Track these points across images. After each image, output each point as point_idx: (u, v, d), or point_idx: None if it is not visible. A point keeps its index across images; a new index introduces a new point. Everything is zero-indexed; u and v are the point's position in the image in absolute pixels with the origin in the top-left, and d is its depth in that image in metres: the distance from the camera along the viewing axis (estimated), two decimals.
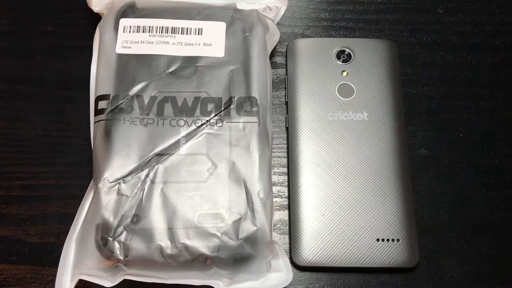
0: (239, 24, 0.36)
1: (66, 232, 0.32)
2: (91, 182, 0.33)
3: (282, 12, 0.38)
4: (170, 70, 0.34)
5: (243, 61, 0.35)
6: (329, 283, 0.34)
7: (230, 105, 0.33)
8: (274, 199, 0.35)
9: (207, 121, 0.33)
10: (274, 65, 0.40)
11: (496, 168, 0.37)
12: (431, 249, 0.35)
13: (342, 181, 0.35)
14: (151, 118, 0.33)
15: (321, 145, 0.35)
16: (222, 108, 0.33)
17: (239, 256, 0.30)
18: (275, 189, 0.36)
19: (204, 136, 0.33)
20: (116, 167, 0.31)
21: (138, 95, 0.33)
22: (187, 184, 0.31)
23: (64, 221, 0.33)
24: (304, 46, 0.39)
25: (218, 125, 0.33)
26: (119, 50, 0.34)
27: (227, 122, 0.33)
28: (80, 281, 0.30)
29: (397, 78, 0.38)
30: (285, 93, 0.38)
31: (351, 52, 0.38)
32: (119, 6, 0.36)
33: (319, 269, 0.34)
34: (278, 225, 0.35)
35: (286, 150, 0.37)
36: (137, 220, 0.30)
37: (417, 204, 0.36)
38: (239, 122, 0.33)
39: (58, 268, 0.30)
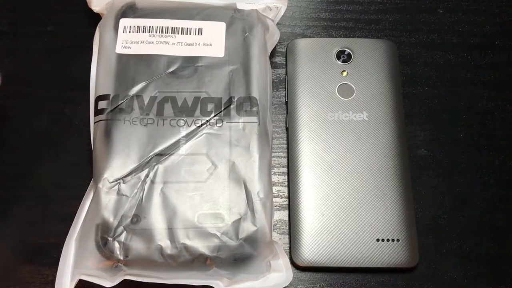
0: (239, 24, 0.36)
1: (66, 232, 0.32)
2: (91, 182, 0.33)
3: (282, 12, 0.38)
4: (170, 70, 0.34)
5: (243, 61, 0.35)
6: (329, 283, 0.34)
7: (230, 105, 0.33)
8: (274, 199, 0.35)
9: (207, 121, 0.33)
10: (274, 65, 0.40)
11: (496, 168, 0.37)
12: (431, 249, 0.35)
13: (342, 181, 0.35)
14: (151, 118, 0.33)
15: (321, 145, 0.35)
16: (222, 108, 0.33)
17: (239, 256, 0.30)
18: (275, 189, 0.36)
19: (204, 136, 0.33)
20: (116, 167, 0.31)
21: (138, 95, 0.33)
22: (187, 184, 0.31)
23: (64, 221, 0.33)
24: (304, 46, 0.39)
25: (218, 125, 0.33)
26: (119, 50, 0.34)
27: (227, 122, 0.33)
28: (80, 281, 0.30)
29: (397, 78, 0.38)
30: (285, 93, 0.38)
31: (351, 52, 0.38)
32: (119, 6, 0.36)
33: (319, 269, 0.34)
34: (278, 225, 0.35)
35: (286, 150, 0.37)
36: (137, 220, 0.30)
37: (417, 204, 0.36)
38: (239, 122, 0.33)
39: (58, 268, 0.30)
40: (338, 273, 0.34)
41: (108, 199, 0.31)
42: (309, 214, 0.34)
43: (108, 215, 0.30)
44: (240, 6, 0.37)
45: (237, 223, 0.31)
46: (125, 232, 0.30)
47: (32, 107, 0.38)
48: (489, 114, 0.39)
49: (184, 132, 0.33)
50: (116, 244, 0.30)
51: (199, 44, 0.35)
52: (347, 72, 0.38)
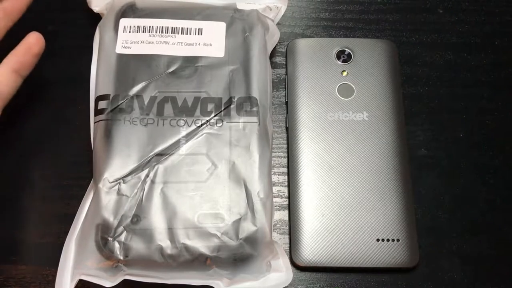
0: (239, 24, 0.36)
1: (66, 232, 0.32)
2: (91, 182, 0.33)
3: (282, 12, 0.38)
4: (170, 70, 0.34)
5: (243, 61, 0.35)
6: (329, 283, 0.34)
7: (230, 105, 0.33)
8: (274, 199, 0.35)
9: (207, 121, 0.33)
10: (274, 65, 0.40)
11: (496, 168, 0.37)
12: (431, 249, 0.35)
13: (342, 181, 0.35)
14: (151, 118, 0.33)
15: (321, 145, 0.35)
16: (222, 108, 0.33)
17: (239, 256, 0.30)
18: (275, 189, 0.36)
19: (204, 136, 0.33)
20: (116, 167, 0.31)
21: (138, 95, 0.33)
22: (187, 184, 0.31)
23: (64, 221, 0.33)
24: (304, 46, 0.39)
25: (218, 125, 0.33)
26: (119, 50, 0.34)
27: (227, 122, 0.33)
28: (80, 281, 0.30)
29: (397, 78, 0.38)
30: (285, 93, 0.38)
31: (351, 52, 0.38)
32: (119, 6, 0.36)
33: (319, 269, 0.34)
34: (278, 225, 0.35)
35: (286, 150, 0.37)
36: (137, 220, 0.30)
37: (417, 204, 0.36)
38: (239, 122, 0.33)
39: (58, 268, 0.30)
40: (338, 273, 0.34)
41: (108, 199, 0.31)
42: (309, 214, 0.34)
43: (108, 215, 0.30)
44: (240, 6, 0.37)
45: (237, 223, 0.31)
46: (125, 232, 0.30)
47: (32, 107, 0.38)
48: (489, 114, 0.39)
49: (184, 132, 0.33)
50: (116, 244, 0.30)
51: (199, 44, 0.35)
52: (347, 72, 0.38)
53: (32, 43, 0.33)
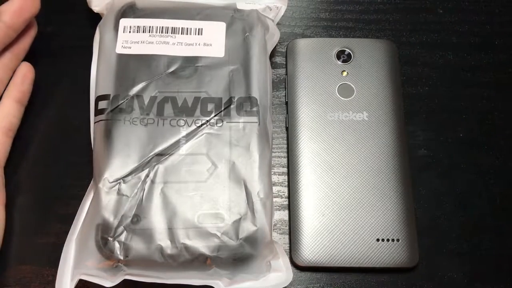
0: (239, 24, 0.36)
1: (66, 232, 0.32)
2: (91, 182, 0.33)
3: (282, 12, 0.38)
4: (170, 70, 0.34)
5: (243, 61, 0.35)
6: (329, 283, 0.34)
7: (230, 105, 0.33)
8: (274, 199, 0.35)
9: (207, 121, 0.33)
10: (274, 65, 0.40)
11: (496, 168, 0.37)
12: (431, 249, 0.35)
13: (342, 181, 0.35)
14: (151, 118, 0.33)
15: (321, 145, 0.35)
16: (222, 108, 0.33)
17: (239, 256, 0.30)
18: (275, 189, 0.36)
19: (204, 136, 0.33)
20: (116, 167, 0.31)
21: (138, 95, 0.33)
22: (187, 184, 0.31)
23: (64, 221, 0.33)
24: (304, 46, 0.39)
25: (218, 125, 0.33)
26: (119, 50, 0.34)
27: (227, 122, 0.33)
28: (80, 281, 0.30)
29: (397, 78, 0.38)
30: (285, 93, 0.38)
31: (351, 52, 0.38)
32: (119, 6, 0.36)
33: (319, 269, 0.34)
34: (278, 225, 0.35)
35: (286, 150, 0.37)
36: (137, 220, 0.30)
37: (417, 204, 0.36)
38: (239, 122, 0.33)
39: (58, 268, 0.30)
40: (338, 273, 0.34)
41: (108, 199, 0.31)
42: (309, 214, 0.34)
43: (108, 215, 0.30)
44: (240, 6, 0.37)
45: (237, 223, 0.31)
46: (125, 232, 0.30)
47: (32, 107, 0.38)
48: (489, 114, 0.39)
49: (184, 132, 0.33)
50: (116, 244, 0.30)
51: (199, 44, 0.35)
52: (347, 72, 0.38)
53: (26, 71, 0.36)
